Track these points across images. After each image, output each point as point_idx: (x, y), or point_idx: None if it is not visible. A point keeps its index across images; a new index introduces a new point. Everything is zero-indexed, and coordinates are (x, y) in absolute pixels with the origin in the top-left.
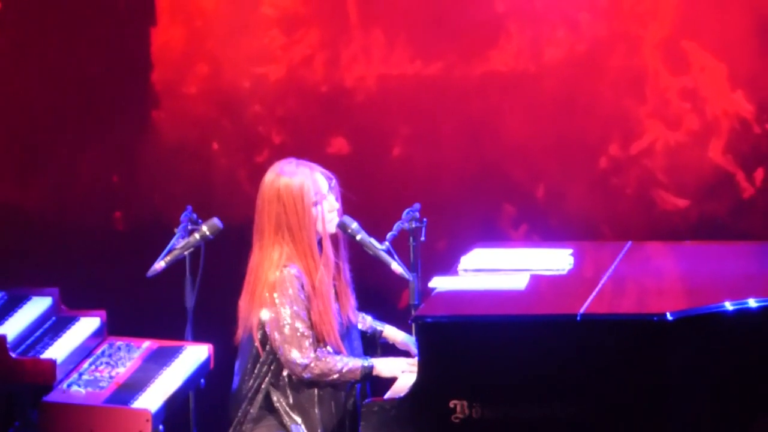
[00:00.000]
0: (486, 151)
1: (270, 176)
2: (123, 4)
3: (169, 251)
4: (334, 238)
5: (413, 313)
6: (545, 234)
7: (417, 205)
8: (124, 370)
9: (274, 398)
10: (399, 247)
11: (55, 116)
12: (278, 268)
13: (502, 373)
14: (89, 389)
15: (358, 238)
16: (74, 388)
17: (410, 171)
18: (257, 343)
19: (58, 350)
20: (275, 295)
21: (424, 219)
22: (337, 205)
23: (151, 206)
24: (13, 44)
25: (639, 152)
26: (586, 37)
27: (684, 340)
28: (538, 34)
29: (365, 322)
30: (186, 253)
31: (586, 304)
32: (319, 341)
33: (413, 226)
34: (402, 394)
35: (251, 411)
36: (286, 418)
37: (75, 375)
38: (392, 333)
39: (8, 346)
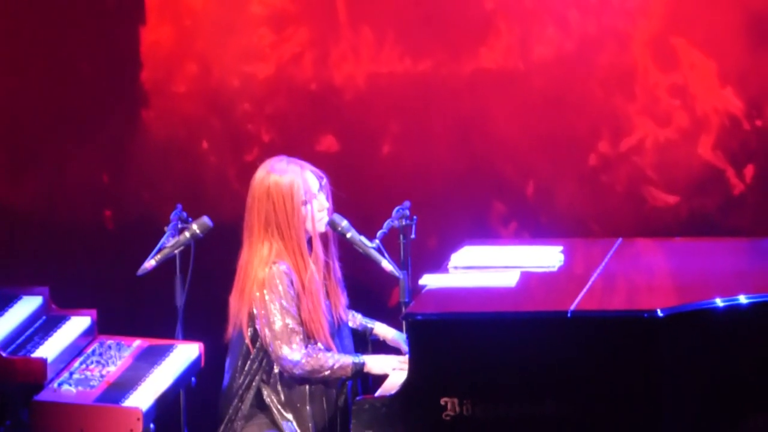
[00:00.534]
0: (476, 149)
1: (260, 174)
2: (112, 3)
3: (159, 250)
4: (324, 236)
5: (404, 310)
6: (535, 231)
7: (407, 203)
8: (114, 368)
9: (266, 395)
10: (389, 245)
11: (44, 115)
12: (267, 264)
13: (493, 371)
14: (80, 388)
15: (348, 236)
16: (65, 387)
17: (400, 169)
18: (247, 340)
19: (49, 349)
20: (265, 291)
21: (414, 216)
22: (327, 205)
23: (141, 205)
24: (2, 43)
25: (629, 149)
26: (576, 34)
27: (674, 337)
28: (528, 32)
29: (355, 319)
30: (176, 251)
31: (576, 301)
32: (309, 338)
33: (403, 223)
34: (393, 392)
35: (242, 408)
36: (277, 416)
37: (66, 374)
38: (382, 330)
39: None
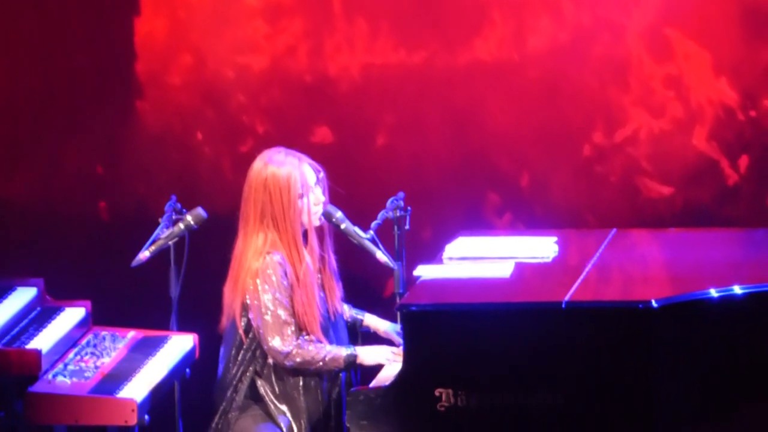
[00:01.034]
0: (470, 140)
1: (258, 165)
2: None
3: (154, 241)
4: (319, 228)
5: (398, 301)
6: (529, 222)
7: (401, 194)
8: (109, 360)
9: (260, 386)
10: (383, 236)
11: (39, 107)
12: (261, 255)
13: (487, 362)
14: (74, 379)
15: (342, 227)
16: (59, 378)
17: (394, 160)
18: (241, 331)
19: (43, 341)
20: (258, 281)
21: (409, 208)
22: (323, 198)
23: (136, 196)
24: None
25: (623, 140)
26: (570, 25)
27: (669, 327)
28: (522, 23)
29: (345, 312)
30: (170, 242)
31: (571, 292)
32: (302, 331)
33: (397, 214)
34: (388, 383)
35: (237, 399)
36: (271, 407)
37: (60, 365)
38: (373, 322)
39: None
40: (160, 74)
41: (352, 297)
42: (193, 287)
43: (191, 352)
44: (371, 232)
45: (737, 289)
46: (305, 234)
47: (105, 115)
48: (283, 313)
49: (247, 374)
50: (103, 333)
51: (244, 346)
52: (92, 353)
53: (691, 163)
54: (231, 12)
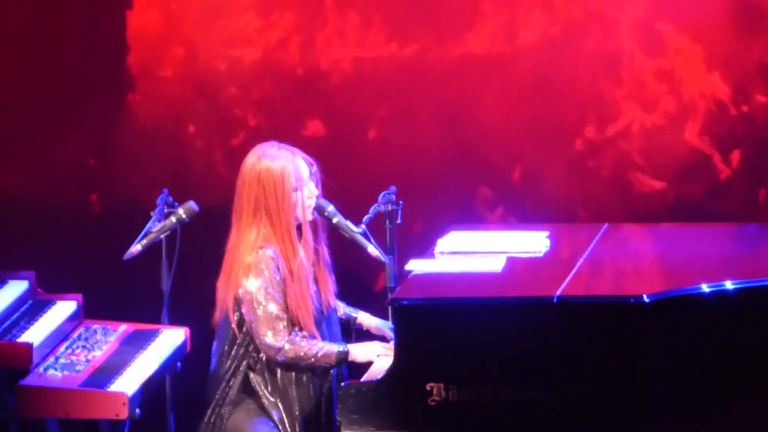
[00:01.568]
0: (462, 134)
1: (251, 158)
2: None
3: (146, 234)
4: (313, 222)
5: (390, 295)
6: (521, 216)
7: (393, 188)
8: (100, 353)
9: (253, 381)
10: (375, 230)
11: (31, 99)
12: (254, 249)
13: (478, 356)
14: (66, 373)
15: (334, 221)
16: (51, 371)
17: (386, 153)
18: (234, 325)
19: (35, 334)
20: (250, 276)
21: (400, 202)
22: (316, 192)
23: (128, 189)
24: None
25: (615, 134)
26: (562, 19)
27: (661, 322)
28: (514, 16)
29: (339, 308)
30: (162, 236)
31: (562, 287)
32: (294, 325)
33: (389, 208)
34: (379, 377)
35: (230, 394)
36: (264, 401)
37: (51, 359)
38: (366, 319)
39: None
40: (152, 67)
41: (344, 290)
42: (184, 281)
43: (182, 346)
44: (363, 225)
45: (729, 284)
46: (299, 228)
47: (97, 108)
48: (275, 308)
49: (241, 369)
50: (95, 326)
51: (237, 341)
52: (83, 346)
53: (683, 158)
54: (223, 5)
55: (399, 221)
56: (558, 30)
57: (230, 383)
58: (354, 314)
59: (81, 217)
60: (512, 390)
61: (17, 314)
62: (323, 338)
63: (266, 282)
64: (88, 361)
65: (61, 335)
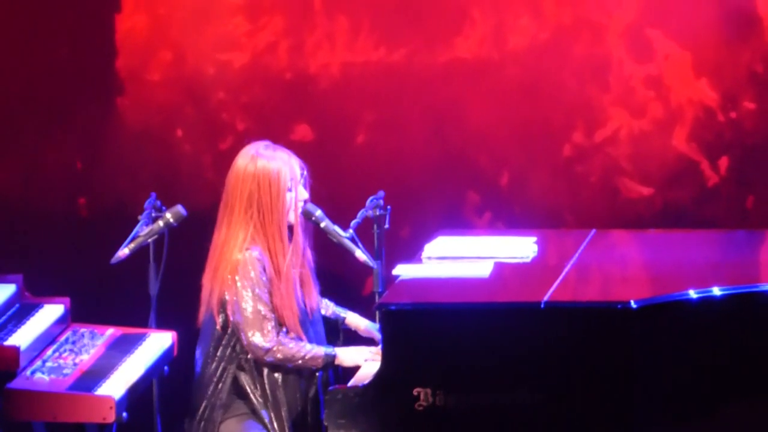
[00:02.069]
0: (450, 139)
1: (246, 156)
2: None
3: (133, 238)
4: (304, 225)
5: (377, 300)
6: (509, 222)
7: (381, 193)
8: (87, 357)
9: (243, 381)
10: (363, 235)
11: (18, 102)
12: (241, 250)
13: (466, 361)
14: (53, 376)
15: (322, 225)
16: (38, 375)
17: (374, 158)
18: (218, 327)
19: (22, 337)
20: (237, 278)
21: (388, 206)
22: (306, 195)
23: (115, 193)
24: None
25: (603, 140)
26: (550, 24)
27: (648, 328)
28: (502, 22)
29: (328, 308)
30: (150, 240)
31: (549, 292)
32: (280, 326)
33: (377, 213)
34: (366, 382)
35: (221, 396)
36: (255, 404)
37: (38, 362)
38: (355, 320)
39: None
40: (141, 71)
41: (331, 296)
42: (172, 285)
43: (170, 350)
44: (351, 230)
45: (716, 291)
46: (290, 229)
47: (85, 112)
48: (262, 309)
49: (229, 370)
50: (82, 330)
51: (223, 342)
52: (71, 350)
53: (671, 164)
54: (211, 9)
55: (387, 226)
56: (546, 35)
57: (219, 386)
58: (343, 314)
59: (69, 221)
60: (499, 395)
61: (4, 317)
62: (309, 340)
63: (253, 283)
64: (75, 364)
65: (48, 339)
